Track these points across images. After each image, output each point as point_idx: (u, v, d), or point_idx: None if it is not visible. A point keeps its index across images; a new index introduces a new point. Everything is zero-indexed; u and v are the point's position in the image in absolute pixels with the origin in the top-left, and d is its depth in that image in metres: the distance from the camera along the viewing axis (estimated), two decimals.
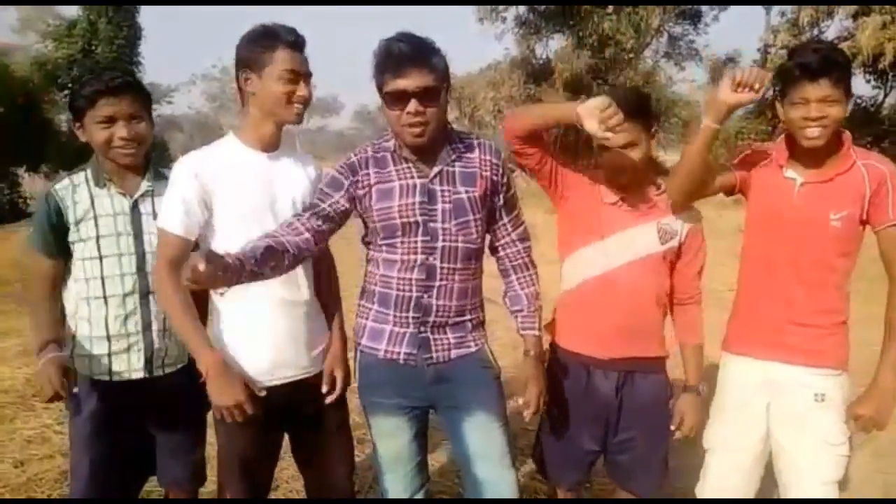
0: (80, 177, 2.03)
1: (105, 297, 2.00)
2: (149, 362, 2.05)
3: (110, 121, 1.95)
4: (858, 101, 19.02)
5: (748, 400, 2.14)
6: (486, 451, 1.99)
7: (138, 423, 2.11)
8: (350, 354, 2.16)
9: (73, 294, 2.04)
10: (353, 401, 2.15)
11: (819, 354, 2.03)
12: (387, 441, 2.05)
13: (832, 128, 1.92)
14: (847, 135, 2.01)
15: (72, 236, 2.00)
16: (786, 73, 1.97)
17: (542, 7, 21.90)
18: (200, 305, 2.20)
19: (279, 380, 2.00)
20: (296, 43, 1.93)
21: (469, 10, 22.75)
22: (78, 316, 2.04)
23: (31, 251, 2.05)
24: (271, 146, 2.02)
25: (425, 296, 1.93)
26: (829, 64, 1.88)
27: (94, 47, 20.14)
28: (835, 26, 19.58)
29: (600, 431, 2.16)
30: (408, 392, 2.00)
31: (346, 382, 2.14)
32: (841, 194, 1.97)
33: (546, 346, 2.25)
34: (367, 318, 2.03)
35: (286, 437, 2.18)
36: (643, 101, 2.09)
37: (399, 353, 1.97)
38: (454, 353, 1.99)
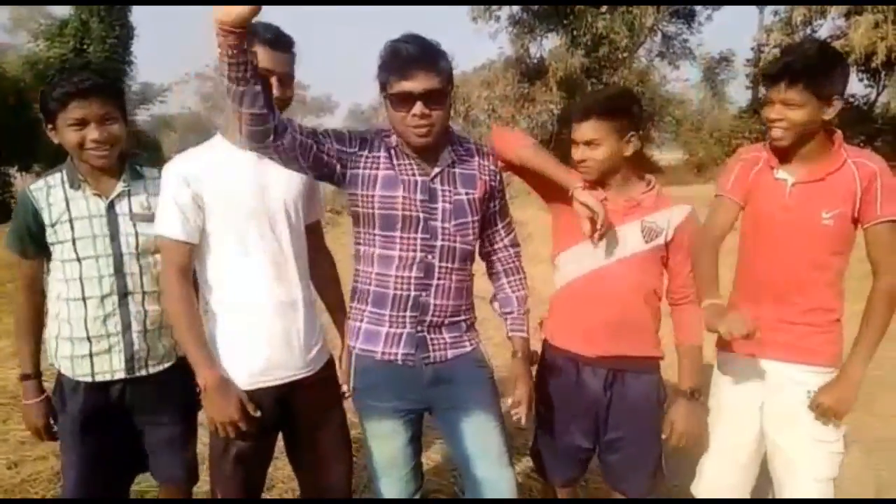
0: (55, 178, 2.02)
1: (84, 299, 1.99)
2: (129, 362, 2.04)
3: (82, 123, 1.93)
4: (851, 99, 19.13)
5: (742, 399, 2.15)
6: (484, 450, 1.99)
7: (125, 422, 2.10)
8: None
9: (54, 295, 2.04)
10: (348, 401, 2.15)
11: (812, 352, 2.04)
12: (381, 445, 2.04)
13: (795, 130, 1.95)
14: (838, 134, 2.02)
15: (49, 237, 1.99)
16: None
17: (536, 6, 21.94)
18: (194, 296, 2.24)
19: (274, 380, 2.00)
20: (275, 41, 1.90)
21: (463, 10, 22.77)
22: (59, 317, 2.03)
23: (8, 251, 2.06)
24: None
25: (423, 294, 1.93)
26: (785, 69, 1.92)
27: (86, 47, 20.02)
28: (827, 25, 19.72)
29: (591, 428, 2.16)
30: (405, 394, 1.99)
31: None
32: (832, 193, 1.98)
33: (539, 344, 2.26)
34: (361, 321, 2.00)
35: (281, 437, 2.18)
36: (617, 101, 2.08)
37: (397, 354, 1.96)
38: (451, 352, 1.99)
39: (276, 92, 1.91)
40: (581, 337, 2.12)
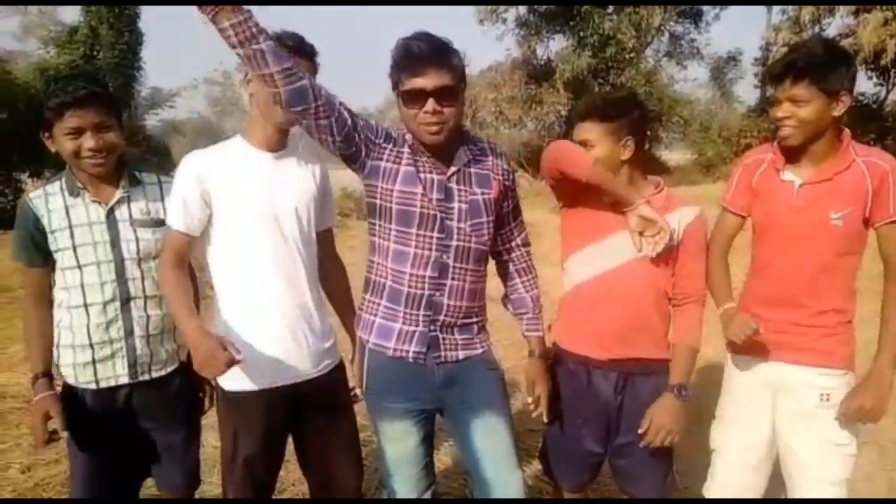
0: (54, 186, 2.03)
1: (86, 306, 2.00)
2: (132, 367, 2.05)
3: (78, 132, 1.94)
4: (861, 98, 18.98)
5: (754, 401, 2.14)
6: (493, 451, 2.00)
7: (131, 428, 2.11)
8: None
9: (57, 303, 2.05)
10: (360, 403, 2.15)
11: (825, 354, 2.03)
12: (394, 445, 2.04)
13: (804, 128, 1.93)
14: (846, 132, 2.00)
15: (50, 245, 2.00)
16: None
17: (543, 7, 21.92)
18: (195, 302, 2.22)
19: (284, 381, 2.01)
20: (297, 50, 1.93)
21: (469, 12, 22.79)
22: (61, 325, 2.04)
23: (16, 262, 2.07)
24: (276, 146, 2.03)
25: (437, 294, 1.93)
26: (789, 66, 1.91)
27: (95, 53, 20.18)
28: (836, 23, 19.58)
29: (602, 433, 2.15)
30: (417, 394, 1.99)
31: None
32: (841, 193, 1.96)
33: (549, 347, 2.25)
34: (375, 315, 2.00)
35: (290, 440, 2.18)
36: (615, 104, 2.06)
37: (409, 352, 1.96)
38: (462, 353, 1.99)
39: None
40: (592, 340, 2.11)
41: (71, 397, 2.05)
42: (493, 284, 2.15)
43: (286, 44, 1.90)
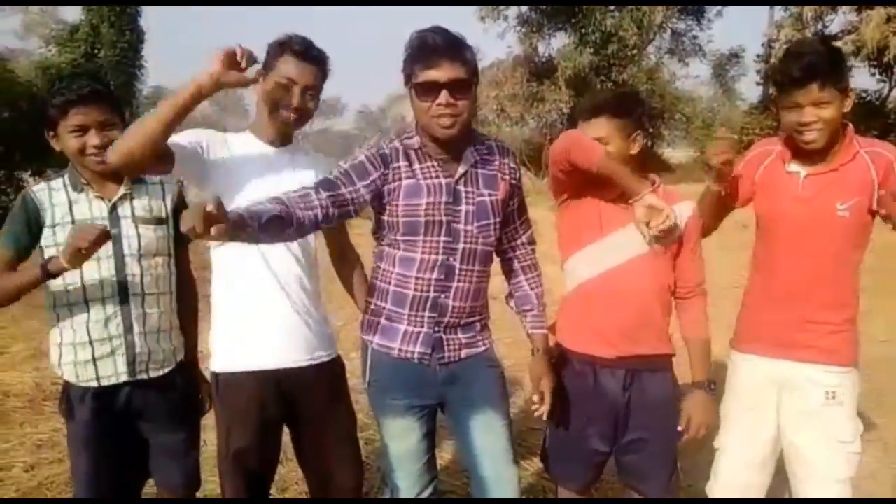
0: (58, 182, 2.04)
1: (86, 302, 2.01)
2: (131, 365, 2.05)
3: (82, 129, 1.95)
4: (863, 94, 18.91)
5: (759, 398, 2.14)
6: (491, 448, 2.01)
7: (132, 428, 2.12)
8: (355, 354, 2.16)
9: (54, 301, 2.04)
10: (362, 401, 2.15)
11: (830, 352, 2.02)
12: (397, 442, 2.05)
13: (829, 128, 1.93)
14: (850, 126, 2.01)
15: (46, 240, 1.99)
16: (774, 79, 1.99)
17: (545, 5, 21.88)
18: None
19: (273, 364, 2.02)
20: (304, 54, 1.96)
21: (471, 10, 22.75)
22: (60, 322, 2.04)
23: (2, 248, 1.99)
24: (281, 142, 2.08)
25: (442, 296, 1.94)
26: (812, 70, 1.88)
27: (97, 51, 20.19)
28: (839, 20, 19.48)
29: (609, 431, 2.14)
30: (420, 390, 2.00)
31: None
32: (846, 184, 1.96)
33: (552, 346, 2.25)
34: (379, 316, 2.01)
35: (288, 440, 2.19)
36: (625, 101, 2.10)
37: (413, 353, 1.96)
38: (464, 352, 2.00)
39: (295, 102, 1.98)
40: (598, 338, 2.10)
41: (72, 398, 2.05)
42: (496, 283, 2.14)
43: (294, 48, 1.93)
